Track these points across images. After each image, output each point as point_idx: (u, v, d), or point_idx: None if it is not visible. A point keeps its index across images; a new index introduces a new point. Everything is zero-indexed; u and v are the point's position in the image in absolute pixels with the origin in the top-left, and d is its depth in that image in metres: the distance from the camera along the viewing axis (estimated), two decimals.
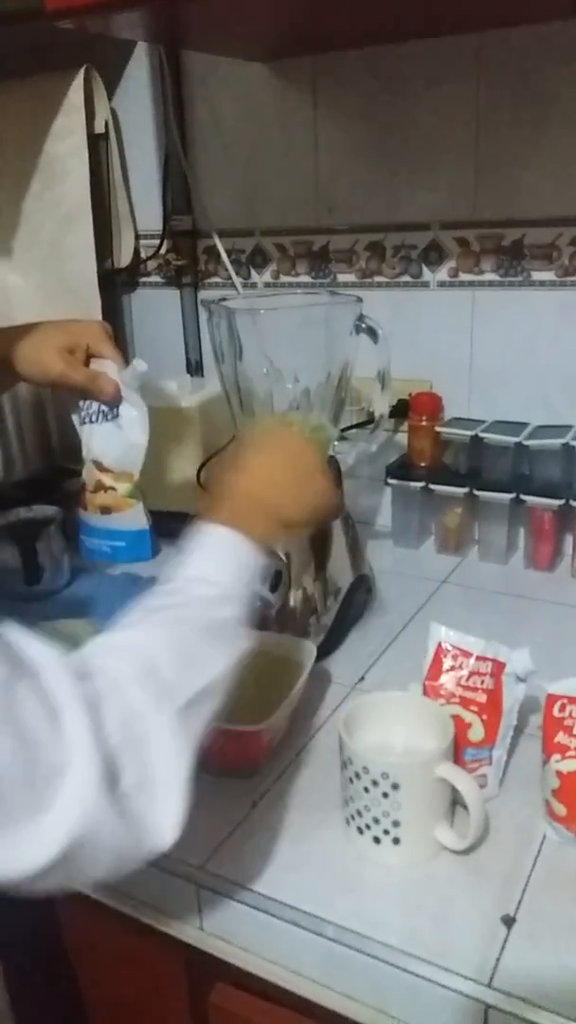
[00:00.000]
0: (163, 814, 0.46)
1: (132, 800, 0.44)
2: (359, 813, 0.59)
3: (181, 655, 0.50)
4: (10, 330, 0.82)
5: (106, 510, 0.93)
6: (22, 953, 0.66)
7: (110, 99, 1.16)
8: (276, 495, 0.64)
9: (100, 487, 0.92)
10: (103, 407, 0.88)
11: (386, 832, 0.58)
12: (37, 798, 0.41)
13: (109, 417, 0.88)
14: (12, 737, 0.40)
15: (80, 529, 0.97)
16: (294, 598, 0.85)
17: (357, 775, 0.58)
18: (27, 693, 0.42)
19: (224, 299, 0.86)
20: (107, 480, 0.91)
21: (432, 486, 1.04)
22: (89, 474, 0.92)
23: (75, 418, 0.91)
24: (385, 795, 0.57)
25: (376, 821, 0.58)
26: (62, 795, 0.41)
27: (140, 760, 0.44)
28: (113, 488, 0.92)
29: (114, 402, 0.87)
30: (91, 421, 0.89)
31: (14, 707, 0.41)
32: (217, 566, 0.56)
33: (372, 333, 0.84)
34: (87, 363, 0.82)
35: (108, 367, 0.85)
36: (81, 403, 0.89)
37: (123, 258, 1.23)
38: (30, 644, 0.45)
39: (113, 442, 0.90)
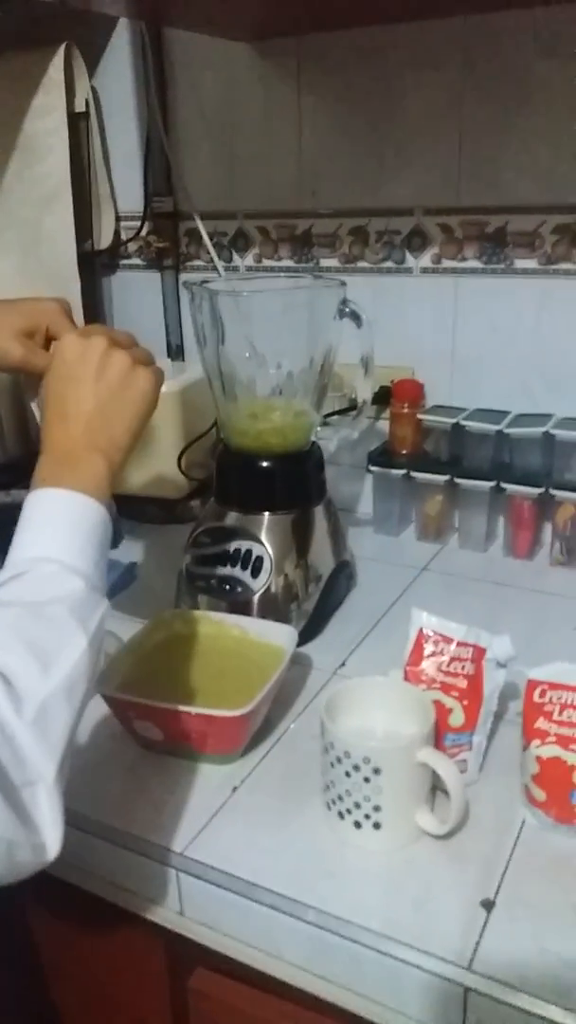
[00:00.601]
0: (47, 814, 0.45)
1: (21, 793, 0.44)
2: (340, 798, 0.59)
3: (33, 653, 0.48)
4: None
5: None
6: None
7: (91, 77, 1.14)
8: (97, 423, 0.61)
9: None
10: None
11: (367, 817, 0.58)
12: None
13: None
14: None
15: None
16: (275, 584, 0.84)
17: (339, 759, 0.58)
18: None
19: (206, 281, 0.85)
20: None
21: (413, 473, 1.04)
22: None
23: (33, 405, 0.87)
24: (367, 779, 0.57)
25: (357, 806, 0.58)
26: None
27: (18, 759, 0.44)
28: None
29: None
30: None
31: None
32: (51, 539, 0.54)
33: (356, 317, 0.83)
34: (47, 346, 0.77)
35: None
36: (41, 388, 0.86)
37: (103, 240, 1.21)
38: None
39: None
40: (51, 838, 0.45)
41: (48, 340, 0.76)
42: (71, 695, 0.48)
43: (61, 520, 0.56)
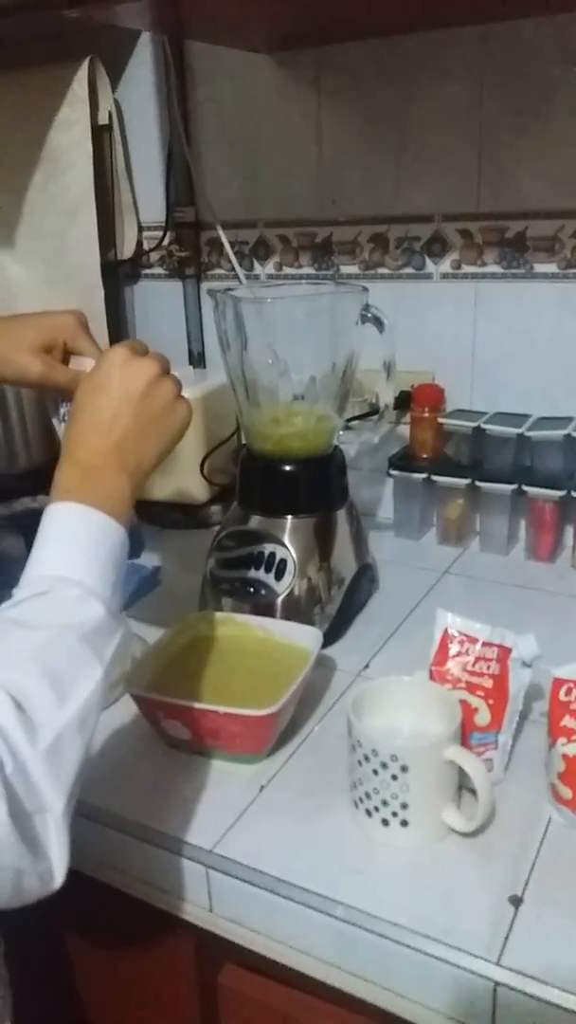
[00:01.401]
0: (54, 843, 0.45)
1: (32, 820, 0.44)
2: (367, 796, 0.60)
3: (50, 681, 0.48)
4: None
5: None
6: (21, 934, 0.66)
7: (114, 90, 1.16)
8: (131, 444, 0.60)
9: None
10: None
11: (394, 814, 0.59)
12: None
13: None
14: None
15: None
16: (298, 587, 0.85)
17: (366, 757, 0.59)
18: None
19: (229, 289, 0.86)
20: None
21: (434, 477, 1.04)
22: None
23: (54, 420, 0.86)
24: (394, 777, 0.58)
25: (384, 803, 0.59)
26: None
27: (29, 787, 0.44)
28: None
29: None
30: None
31: None
32: (73, 558, 0.54)
33: (378, 322, 0.84)
34: (67, 360, 0.77)
35: (90, 364, 0.77)
36: (61, 401, 0.82)
37: (126, 249, 1.23)
38: None
39: None
40: (58, 867, 0.45)
41: (66, 354, 0.75)
42: (83, 727, 0.48)
43: (83, 539, 0.55)
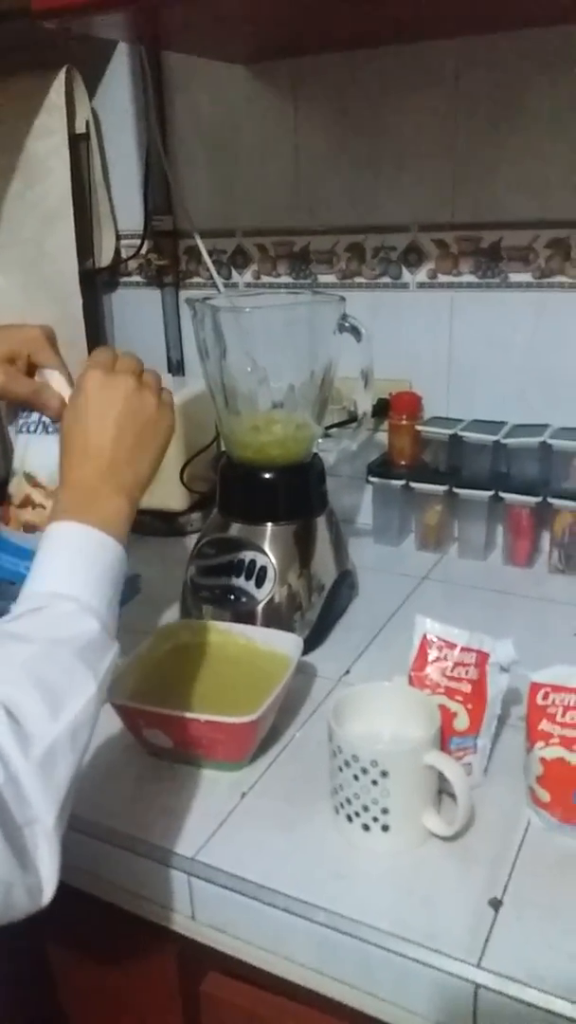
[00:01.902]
0: (45, 856, 0.45)
1: (22, 832, 0.44)
2: (348, 801, 0.60)
3: (43, 694, 0.48)
4: None
5: (30, 528, 0.84)
6: (1, 941, 0.66)
7: (91, 99, 1.16)
8: (123, 463, 0.61)
9: (28, 503, 0.84)
10: (44, 419, 0.81)
11: (375, 819, 0.59)
12: None
13: (50, 430, 0.80)
14: None
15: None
16: (279, 594, 0.86)
17: (347, 763, 0.59)
18: None
19: (208, 298, 0.87)
20: (37, 496, 0.83)
21: (412, 484, 1.05)
22: (18, 487, 0.84)
23: (11, 428, 0.84)
24: (374, 783, 0.58)
25: (366, 808, 0.59)
26: None
27: (21, 799, 0.44)
28: (43, 506, 0.83)
29: (59, 417, 0.76)
30: (29, 431, 0.82)
31: None
32: (71, 574, 0.55)
33: (355, 332, 0.85)
34: (32, 372, 0.76)
35: (54, 377, 0.77)
36: (20, 412, 0.82)
37: (104, 258, 1.23)
38: None
39: (51, 458, 0.78)
40: (47, 881, 0.45)
41: (30, 367, 0.75)
42: (75, 740, 0.48)
43: (80, 556, 0.56)
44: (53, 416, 0.77)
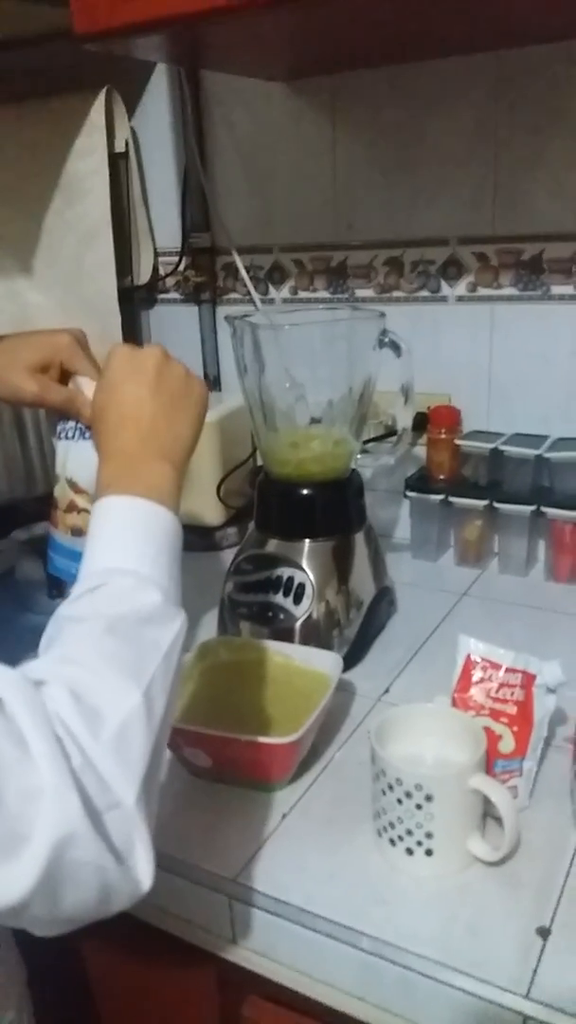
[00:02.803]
0: (136, 836, 0.44)
1: (105, 817, 0.42)
2: (391, 825, 0.59)
3: (110, 671, 0.46)
4: None
5: (76, 531, 0.85)
6: (44, 962, 0.66)
7: (130, 118, 1.18)
8: (162, 428, 0.60)
9: (72, 507, 0.85)
10: (80, 425, 0.81)
11: (419, 843, 0.58)
12: (13, 824, 0.39)
13: (87, 436, 0.80)
14: None
15: (49, 544, 0.89)
16: (317, 611, 0.85)
17: (390, 787, 0.58)
18: None
19: (247, 315, 0.87)
20: (80, 501, 0.84)
21: (452, 499, 1.04)
22: (62, 492, 0.85)
23: (54, 439, 0.83)
24: (419, 807, 0.57)
25: (409, 833, 0.58)
26: (42, 819, 0.40)
27: (100, 780, 0.43)
28: (85, 510, 0.84)
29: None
30: (67, 437, 0.83)
31: None
32: (125, 548, 0.53)
33: (395, 347, 0.84)
34: (65, 379, 0.75)
35: (87, 384, 0.77)
36: (59, 420, 0.82)
37: (142, 275, 1.24)
38: None
39: (89, 462, 0.79)
40: (143, 869, 0.44)
41: (63, 374, 0.74)
42: (149, 715, 0.46)
43: (132, 529, 0.54)
44: (87, 423, 0.76)
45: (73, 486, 0.84)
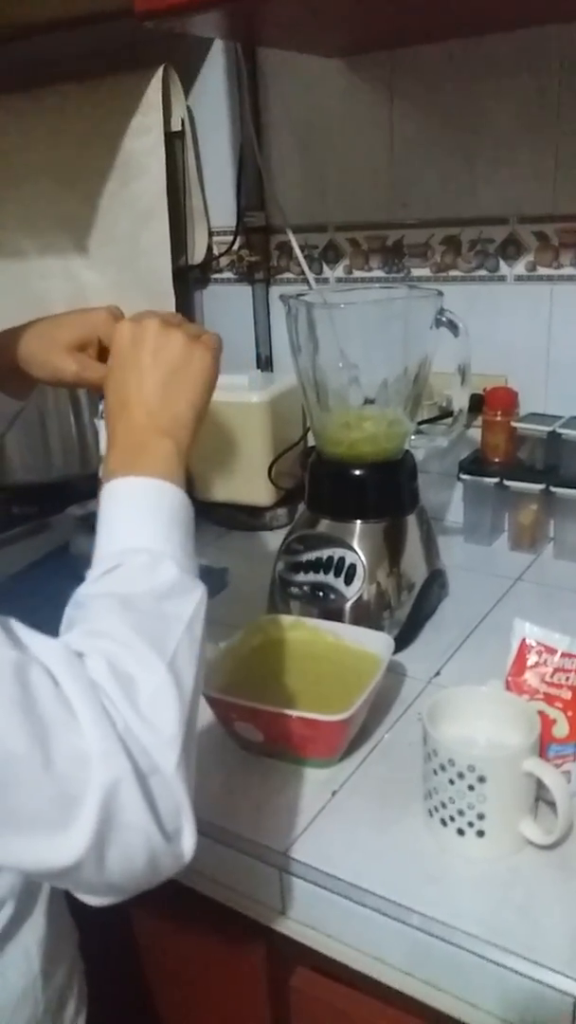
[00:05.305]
0: (178, 804, 0.45)
1: (149, 781, 0.43)
2: (443, 805, 0.59)
3: (138, 640, 0.47)
4: (15, 331, 0.74)
5: None
6: (93, 925, 0.68)
7: (186, 97, 1.17)
8: (157, 405, 0.59)
9: None
10: None
11: (471, 824, 0.58)
12: (65, 786, 0.41)
13: None
14: (28, 720, 0.40)
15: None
16: (368, 592, 0.85)
17: (442, 767, 0.58)
18: (39, 679, 0.42)
19: (301, 295, 0.87)
20: None
21: (507, 482, 1.03)
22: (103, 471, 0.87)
23: (96, 421, 0.83)
24: (471, 787, 0.57)
25: (461, 813, 0.58)
26: (93, 781, 0.41)
27: (140, 746, 0.44)
28: None
29: None
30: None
31: (30, 689, 0.41)
32: (137, 527, 0.54)
33: (452, 327, 0.83)
34: (105, 356, 0.72)
35: None
36: (100, 399, 0.77)
37: (196, 254, 1.24)
38: (31, 634, 0.45)
39: None
40: (185, 837, 0.45)
41: (102, 351, 0.72)
42: (179, 683, 0.47)
43: (140, 509, 0.54)
44: None
45: None
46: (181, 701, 0.47)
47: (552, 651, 0.65)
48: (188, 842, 0.45)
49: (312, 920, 0.61)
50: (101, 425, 0.82)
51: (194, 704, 0.48)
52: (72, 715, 0.42)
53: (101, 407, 0.80)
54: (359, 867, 0.59)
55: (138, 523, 0.54)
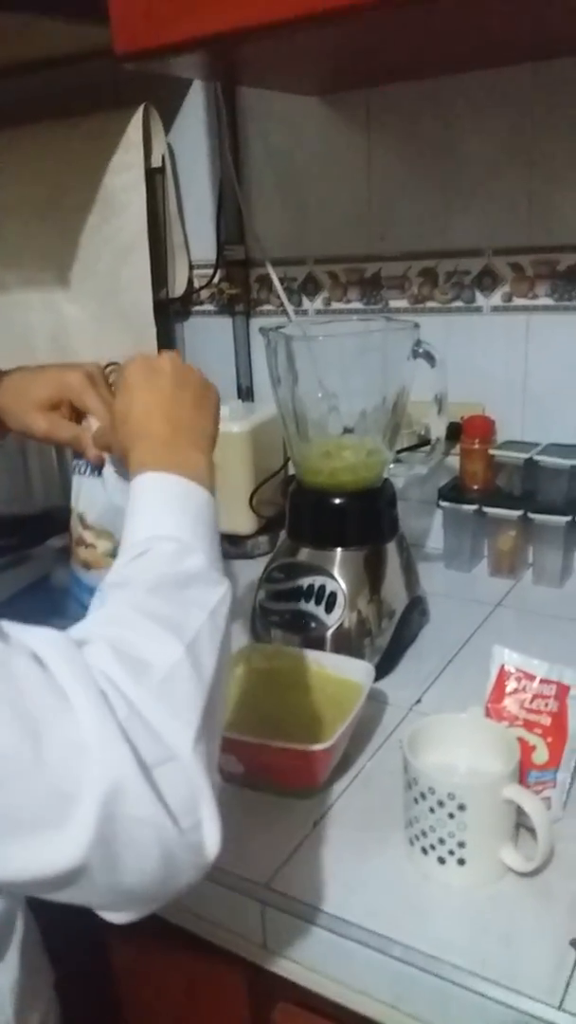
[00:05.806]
0: (196, 792, 0.41)
1: (159, 770, 0.40)
2: (424, 833, 0.59)
3: (154, 625, 0.46)
4: None
5: (87, 565, 0.85)
6: (70, 963, 0.66)
7: (167, 134, 1.20)
8: (184, 417, 0.61)
9: (81, 542, 0.85)
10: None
11: (451, 853, 0.58)
12: (59, 782, 0.38)
13: (96, 473, 0.81)
14: (14, 714, 0.38)
15: (71, 576, 0.89)
16: (349, 619, 0.85)
17: (422, 795, 0.58)
18: (27, 669, 0.40)
19: (280, 327, 0.88)
20: (88, 536, 0.85)
21: (485, 509, 1.04)
22: (75, 526, 0.85)
23: (75, 476, 0.85)
24: (451, 816, 0.57)
25: (441, 842, 0.58)
26: (90, 774, 0.38)
27: (149, 731, 0.41)
28: (93, 546, 0.84)
29: (99, 463, 0.78)
30: (80, 472, 0.83)
31: (16, 680, 0.39)
32: (167, 517, 0.54)
33: (429, 358, 0.85)
34: (79, 415, 0.75)
35: (95, 423, 0.76)
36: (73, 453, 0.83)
37: (177, 288, 1.26)
38: (26, 629, 0.43)
39: (97, 499, 0.82)
40: (206, 830, 0.41)
41: (74, 411, 0.74)
42: (197, 667, 0.45)
43: (171, 502, 0.55)
44: (92, 461, 0.77)
45: (82, 521, 0.84)
46: (200, 684, 0.45)
47: (531, 677, 0.65)
48: (211, 836, 0.42)
49: (294, 953, 0.60)
50: (75, 479, 0.83)
51: (215, 693, 0.46)
52: (66, 704, 0.39)
53: (75, 463, 0.82)
54: (340, 898, 0.59)
55: (167, 515, 0.54)
